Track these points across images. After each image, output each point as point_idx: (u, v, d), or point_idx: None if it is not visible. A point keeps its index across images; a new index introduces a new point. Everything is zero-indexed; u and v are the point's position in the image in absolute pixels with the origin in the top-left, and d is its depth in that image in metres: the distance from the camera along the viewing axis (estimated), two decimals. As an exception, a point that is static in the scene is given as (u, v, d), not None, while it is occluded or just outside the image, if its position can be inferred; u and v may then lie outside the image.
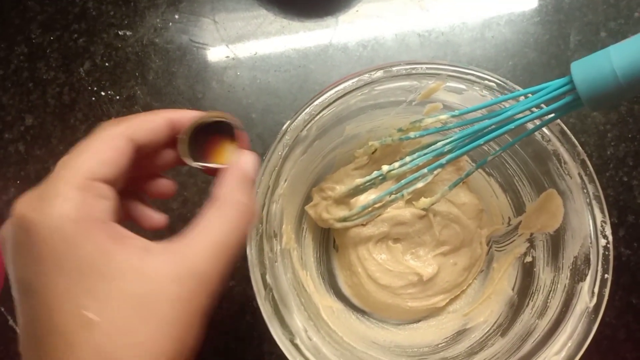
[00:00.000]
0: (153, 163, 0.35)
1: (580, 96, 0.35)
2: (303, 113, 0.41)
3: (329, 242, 0.53)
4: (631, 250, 0.54)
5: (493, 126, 0.40)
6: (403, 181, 0.44)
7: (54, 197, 0.27)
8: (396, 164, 0.43)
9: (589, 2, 0.59)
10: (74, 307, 0.25)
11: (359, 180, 0.46)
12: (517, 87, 0.43)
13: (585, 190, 0.41)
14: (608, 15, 0.59)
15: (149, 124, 0.32)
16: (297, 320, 0.41)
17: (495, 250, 0.51)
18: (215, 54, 0.56)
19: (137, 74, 0.55)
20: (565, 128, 0.42)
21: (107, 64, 0.55)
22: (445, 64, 0.42)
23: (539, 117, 0.39)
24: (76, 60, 0.56)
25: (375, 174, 0.45)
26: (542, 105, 0.38)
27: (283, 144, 0.41)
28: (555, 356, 0.39)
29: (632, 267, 0.54)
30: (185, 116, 0.33)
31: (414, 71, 0.42)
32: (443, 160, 0.42)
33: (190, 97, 0.55)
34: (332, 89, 0.42)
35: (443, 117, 0.43)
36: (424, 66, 0.42)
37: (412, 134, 0.44)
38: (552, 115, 0.39)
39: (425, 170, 0.43)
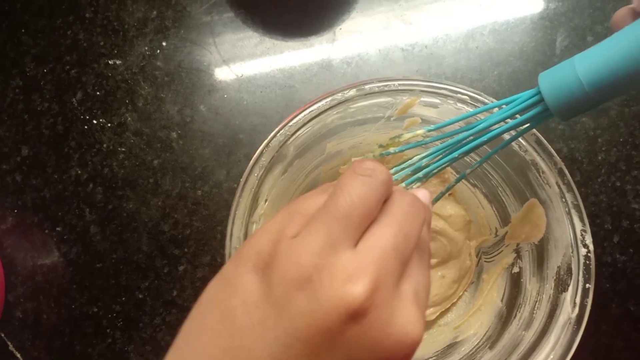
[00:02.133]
0: None
1: (548, 106, 0.36)
2: (278, 134, 0.42)
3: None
4: (627, 256, 0.53)
5: (470, 138, 0.41)
6: None
7: None
8: None
9: (575, 6, 0.59)
10: None
11: None
12: (491, 99, 0.43)
13: (564, 200, 0.41)
14: (594, 19, 0.58)
15: None
16: None
17: (485, 261, 0.51)
18: (202, 77, 0.57)
19: (127, 101, 0.57)
20: (541, 137, 0.42)
21: (98, 93, 0.57)
22: (418, 80, 0.43)
23: (513, 128, 0.39)
24: (69, 90, 0.57)
25: None
26: (517, 115, 0.38)
27: (259, 166, 0.42)
28: None
29: (629, 274, 0.53)
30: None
31: (386, 88, 0.43)
32: (420, 174, 0.42)
33: (179, 122, 0.56)
34: (306, 109, 0.43)
35: (420, 131, 0.43)
36: (396, 82, 0.43)
37: (392, 149, 0.44)
38: (527, 125, 0.39)
39: (402, 185, 0.43)
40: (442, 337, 0.49)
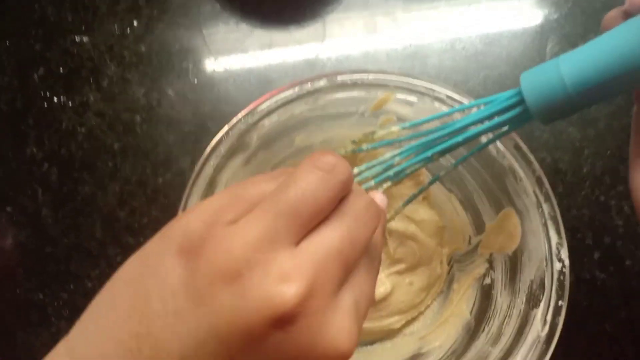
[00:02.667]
0: None
1: (528, 108, 0.33)
2: (240, 122, 0.39)
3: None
4: (606, 274, 0.51)
5: (445, 138, 0.38)
6: None
7: None
8: None
9: (567, 13, 0.56)
10: None
11: None
12: (469, 98, 0.40)
13: (540, 210, 0.38)
14: (587, 27, 0.56)
15: None
16: None
17: (457, 270, 0.48)
18: (172, 60, 0.54)
19: (91, 80, 0.54)
20: (520, 143, 0.39)
21: (61, 70, 0.54)
22: (392, 74, 0.40)
23: (491, 129, 0.36)
24: (31, 66, 0.54)
25: None
26: (495, 117, 0.36)
27: (217, 154, 0.39)
28: None
29: (608, 292, 0.50)
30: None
31: (359, 81, 0.40)
32: (390, 173, 0.40)
33: (144, 105, 0.53)
34: (272, 97, 0.40)
35: (395, 128, 0.41)
36: (370, 76, 0.40)
37: (364, 146, 0.41)
38: (506, 128, 0.37)
39: (372, 183, 0.40)
40: (406, 348, 0.47)
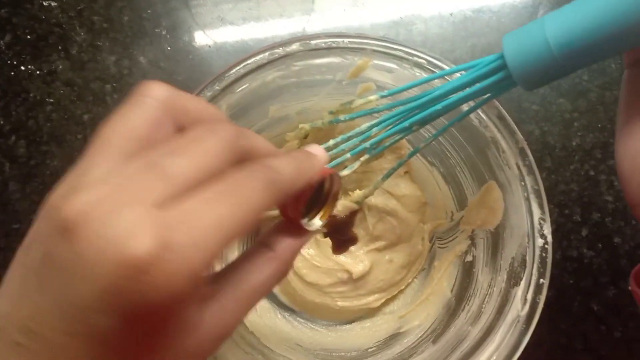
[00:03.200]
0: None
1: (510, 72, 0.31)
2: (206, 89, 0.37)
3: (257, 233, 0.48)
4: (594, 251, 0.49)
5: (424, 107, 0.36)
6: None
7: None
8: None
9: (561, -23, 0.54)
10: None
11: None
12: (450, 64, 0.38)
13: (523, 183, 0.36)
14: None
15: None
16: None
17: (438, 247, 0.47)
18: (145, 26, 0.52)
19: (59, 47, 0.51)
20: (503, 112, 0.37)
21: (29, 37, 0.52)
22: (369, 38, 0.38)
23: (473, 97, 0.34)
24: (-3, 32, 0.52)
25: None
26: (477, 83, 0.34)
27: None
28: None
29: (595, 271, 0.49)
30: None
31: (334, 44, 0.38)
32: (367, 144, 0.37)
33: (115, 73, 0.51)
34: (240, 63, 0.37)
35: (372, 97, 0.38)
36: (345, 40, 0.38)
37: (342, 117, 0.39)
38: (488, 95, 0.35)
39: (348, 155, 0.38)
40: (385, 327, 0.45)
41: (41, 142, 0.50)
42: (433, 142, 0.40)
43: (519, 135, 0.37)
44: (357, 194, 0.44)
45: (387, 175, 0.41)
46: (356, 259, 0.45)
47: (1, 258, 0.49)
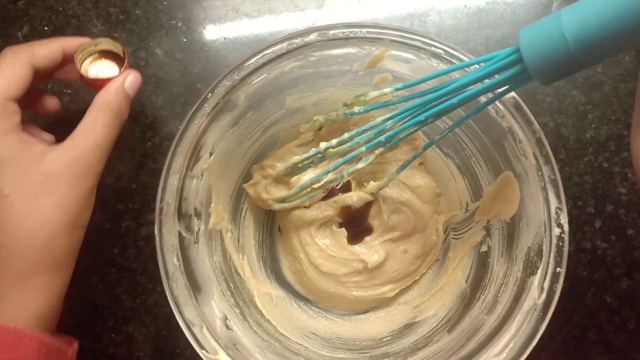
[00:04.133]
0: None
1: (527, 66, 0.31)
2: (225, 79, 0.37)
3: (273, 224, 0.49)
4: (608, 243, 0.49)
5: (441, 100, 0.36)
6: (341, 160, 0.40)
7: None
8: (334, 141, 0.39)
9: (576, -31, 0.53)
10: None
11: (296, 158, 0.42)
12: (469, 55, 0.38)
13: (540, 173, 0.37)
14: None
15: (48, 53, 0.40)
16: (215, 308, 0.37)
17: (453, 238, 0.47)
18: (160, 18, 0.52)
19: (77, 38, 0.51)
20: (521, 102, 0.37)
21: (46, 28, 0.52)
22: (387, 28, 0.38)
23: (489, 90, 0.34)
24: (15, 23, 0.52)
25: (312, 151, 0.41)
26: (495, 76, 0.34)
27: (202, 113, 0.37)
28: (495, 358, 0.35)
29: (609, 262, 0.49)
30: (76, 43, 0.42)
31: (352, 35, 0.38)
32: (382, 138, 0.38)
33: (131, 65, 0.50)
34: (259, 52, 0.38)
35: (388, 90, 0.39)
36: (363, 30, 0.38)
37: (356, 109, 0.39)
38: (505, 88, 0.35)
39: (363, 148, 0.38)
40: (400, 316, 0.46)
41: (60, 132, 0.50)
42: (449, 134, 0.40)
43: (536, 125, 0.37)
44: (372, 185, 0.44)
45: (402, 167, 0.41)
46: (371, 249, 0.45)
47: None
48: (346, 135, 0.39)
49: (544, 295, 0.35)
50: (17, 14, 0.52)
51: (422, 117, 0.36)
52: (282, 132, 0.46)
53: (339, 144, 0.39)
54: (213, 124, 0.38)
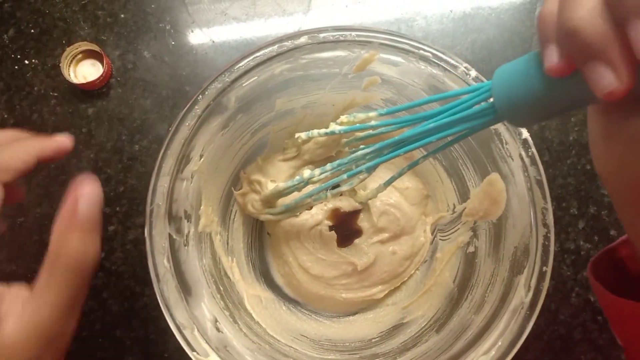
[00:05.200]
0: None
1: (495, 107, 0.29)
2: (216, 81, 0.37)
3: (262, 228, 0.49)
4: (591, 244, 0.50)
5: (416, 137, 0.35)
6: (323, 185, 0.40)
7: None
8: (317, 172, 0.40)
9: (558, -24, 0.55)
10: None
11: (281, 186, 0.42)
12: (456, 58, 0.39)
13: (526, 174, 0.37)
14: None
15: (21, 166, 0.33)
16: (206, 310, 0.37)
17: (440, 239, 0.47)
18: (149, 21, 0.52)
19: (64, 41, 0.51)
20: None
21: (32, 31, 0.52)
22: (376, 31, 0.38)
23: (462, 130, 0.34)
24: (0, 26, 0.52)
25: (296, 179, 0.41)
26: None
27: (193, 115, 0.37)
28: (484, 356, 0.35)
29: (592, 262, 0.50)
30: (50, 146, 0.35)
31: (342, 38, 0.38)
32: (363, 168, 0.38)
33: (119, 67, 0.51)
34: (250, 55, 0.38)
35: (372, 114, 0.38)
36: (353, 33, 0.38)
37: (337, 129, 0.39)
38: (470, 127, 0.32)
39: (344, 176, 0.39)
40: (388, 318, 0.46)
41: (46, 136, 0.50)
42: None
43: (522, 128, 0.38)
44: (361, 194, 0.44)
45: (390, 182, 0.41)
46: (360, 252, 0.46)
47: (6, 252, 0.49)
48: (328, 166, 0.39)
49: (530, 293, 0.36)
50: (3, 16, 0.52)
51: (400, 152, 0.35)
52: (272, 134, 0.46)
53: (322, 173, 0.39)
54: (203, 126, 0.38)
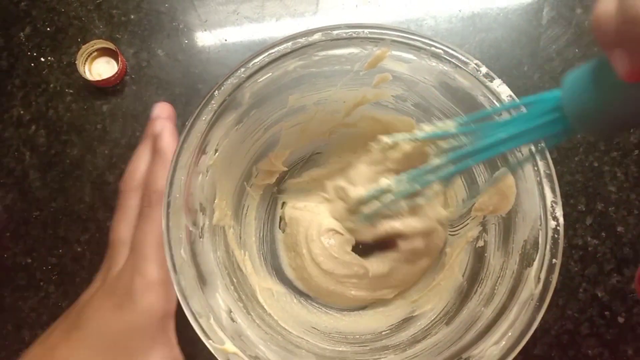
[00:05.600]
0: None
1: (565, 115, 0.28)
2: (232, 77, 0.38)
3: (274, 222, 0.50)
4: (598, 240, 0.51)
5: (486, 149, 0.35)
6: (397, 195, 0.42)
7: None
8: (393, 181, 0.42)
9: (565, -24, 0.55)
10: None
11: (363, 194, 0.44)
12: (468, 56, 0.39)
13: (535, 168, 0.38)
14: (585, -9, 0.55)
15: None
16: (220, 300, 0.38)
17: (450, 234, 0.48)
18: (162, 20, 0.53)
19: (79, 39, 0.52)
20: (515, 98, 0.39)
21: (48, 29, 0.53)
22: (388, 28, 0.39)
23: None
24: (16, 24, 0.53)
25: (376, 189, 0.43)
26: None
27: (209, 109, 0.38)
28: (494, 346, 0.36)
29: (599, 258, 0.50)
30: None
31: (355, 34, 0.39)
32: (434, 178, 0.39)
33: (133, 65, 0.52)
34: (265, 51, 0.39)
35: (450, 123, 0.39)
36: (366, 30, 0.39)
37: (419, 135, 0.40)
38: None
39: (417, 186, 0.40)
40: (398, 311, 0.47)
41: (61, 132, 0.51)
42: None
43: None
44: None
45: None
46: (377, 259, 0.46)
47: (21, 246, 0.50)
48: (403, 176, 0.41)
49: (540, 285, 0.36)
50: (19, 14, 0.53)
51: (473, 162, 0.37)
52: (284, 131, 0.47)
53: (398, 182, 0.42)
54: (219, 121, 0.39)
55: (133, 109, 0.51)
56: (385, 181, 0.43)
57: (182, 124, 0.51)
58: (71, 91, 0.52)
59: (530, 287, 0.37)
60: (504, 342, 0.36)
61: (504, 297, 0.39)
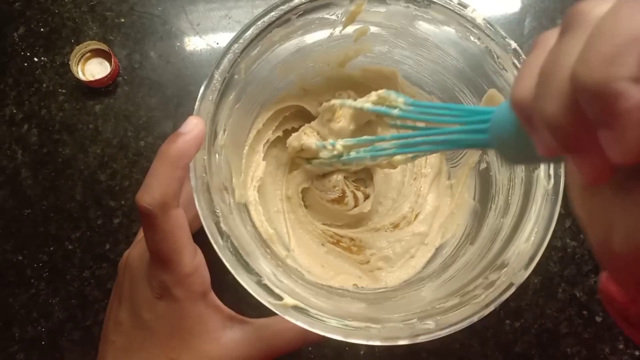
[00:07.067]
0: None
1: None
2: (229, 54, 0.39)
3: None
4: (577, 242, 0.52)
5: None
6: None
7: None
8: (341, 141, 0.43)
9: (548, -13, 0.58)
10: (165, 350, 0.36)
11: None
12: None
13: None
14: (566, 2, 0.58)
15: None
16: (264, 266, 0.38)
17: (451, 167, 0.50)
18: (155, 23, 0.55)
19: (72, 40, 0.53)
20: (490, 22, 0.41)
21: (42, 30, 0.54)
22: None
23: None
24: (10, 24, 0.54)
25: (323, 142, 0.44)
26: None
27: (212, 89, 0.38)
28: (525, 243, 0.37)
29: (578, 260, 0.52)
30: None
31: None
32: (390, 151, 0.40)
33: (126, 66, 0.53)
34: (253, 24, 0.40)
35: (400, 99, 0.40)
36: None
37: (365, 106, 0.40)
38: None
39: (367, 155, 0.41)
40: (423, 258, 0.47)
41: (53, 131, 0.51)
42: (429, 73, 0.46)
43: (509, 40, 0.41)
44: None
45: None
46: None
47: (12, 244, 0.49)
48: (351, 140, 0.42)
49: (552, 180, 0.38)
50: (13, 14, 0.54)
51: (407, 151, 0.38)
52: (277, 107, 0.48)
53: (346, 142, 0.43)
54: (222, 100, 0.39)
55: (125, 110, 0.52)
56: (329, 141, 0.44)
57: (173, 126, 0.52)
58: (64, 91, 0.52)
59: (543, 185, 0.38)
60: (533, 237, 0.37)
61: (519, 203, 0.40)
